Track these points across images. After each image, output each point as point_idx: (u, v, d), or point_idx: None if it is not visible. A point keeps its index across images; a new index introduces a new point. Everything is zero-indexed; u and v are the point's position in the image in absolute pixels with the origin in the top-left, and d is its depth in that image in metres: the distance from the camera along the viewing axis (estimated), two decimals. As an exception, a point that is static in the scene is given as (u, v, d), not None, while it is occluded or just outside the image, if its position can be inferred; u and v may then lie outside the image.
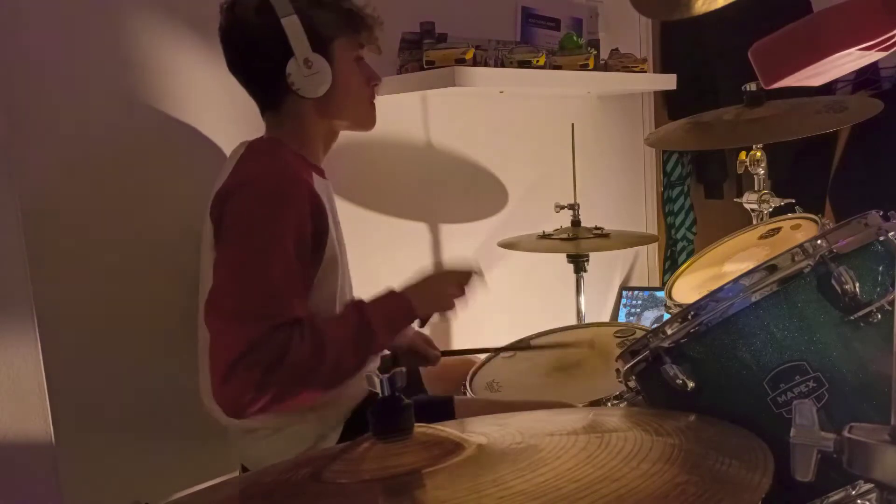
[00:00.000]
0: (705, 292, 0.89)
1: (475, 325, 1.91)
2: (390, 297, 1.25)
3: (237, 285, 1.13)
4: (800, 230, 1.53)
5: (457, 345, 1.94)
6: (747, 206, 1.94)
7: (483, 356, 1.63)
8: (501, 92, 1.96)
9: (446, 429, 0.74)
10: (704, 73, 2.61)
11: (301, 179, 1.22)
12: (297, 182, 1.20)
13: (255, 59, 1.28)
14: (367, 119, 1.40)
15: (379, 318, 1.19)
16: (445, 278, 1.34)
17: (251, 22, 1.26)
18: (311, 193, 1.20)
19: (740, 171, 2.01)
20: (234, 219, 1.17)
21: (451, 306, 1.30)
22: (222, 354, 1.08)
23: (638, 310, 2.56)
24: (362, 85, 1.36)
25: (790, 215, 1.62)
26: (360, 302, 1.22)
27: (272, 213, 1.16)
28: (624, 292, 2.62)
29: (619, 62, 2.07)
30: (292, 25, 1.24)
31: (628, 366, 0.96)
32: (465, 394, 1.46)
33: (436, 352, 1.53)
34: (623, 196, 2.62)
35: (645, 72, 2.13)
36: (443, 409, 1.30)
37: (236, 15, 1.27)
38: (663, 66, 2.65)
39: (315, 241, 1.20)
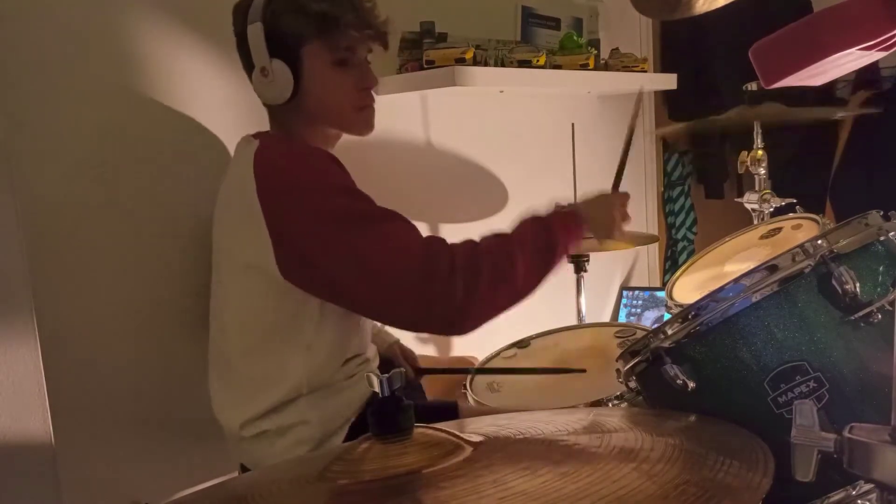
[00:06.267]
0: (706, 292, 0.89)
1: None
2: (563, 209, 1.27)
3: (373, 263, 1.14)
4: (801, 230, 1.53)
5: (457, 345, 1.94)
6: (748, 206, 1.94)
7: (482, 356, 1.63)
8: (501, 92, 1.95)
9: (446, 429, 0.73)
10: (704, 73, 2.62)
11: (322, 150, 1.25)
12: (324, 153, 1.24)
13: (242, 64, 1.31)
14: (355, 124, 1.34)
15: (556, 221, 1.22)
16: (610, 202, 1.34)
17: (235, 30, 1.29)
18: (335, 159, 1.23)
19: (741, 170, 2.01)
20: (308, 212, 1.16)
21: (616, 233, 1.32)
22: (417, 310, 1.14)
23: (638, 310, 2.56)
24: (344, 90, 1.29)
25: (791, 215, 1.62)
26: (533, 215, 1.25)
27: (334, 182, 1.18)
28: (624, 292, 2.62)
29: (619, 62, 2.07)
30: (254, 33, 1.24)
31: (628, 366, 0.96)
32: (464, 394, 1.46)
33: (414, 366, 1.55)
34: (623, 196, 2.61)
35: (645, 71, 2.13)
36: (447, 416, 1.29)
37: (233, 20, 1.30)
38: (663, 66, 2.65)
39: None
